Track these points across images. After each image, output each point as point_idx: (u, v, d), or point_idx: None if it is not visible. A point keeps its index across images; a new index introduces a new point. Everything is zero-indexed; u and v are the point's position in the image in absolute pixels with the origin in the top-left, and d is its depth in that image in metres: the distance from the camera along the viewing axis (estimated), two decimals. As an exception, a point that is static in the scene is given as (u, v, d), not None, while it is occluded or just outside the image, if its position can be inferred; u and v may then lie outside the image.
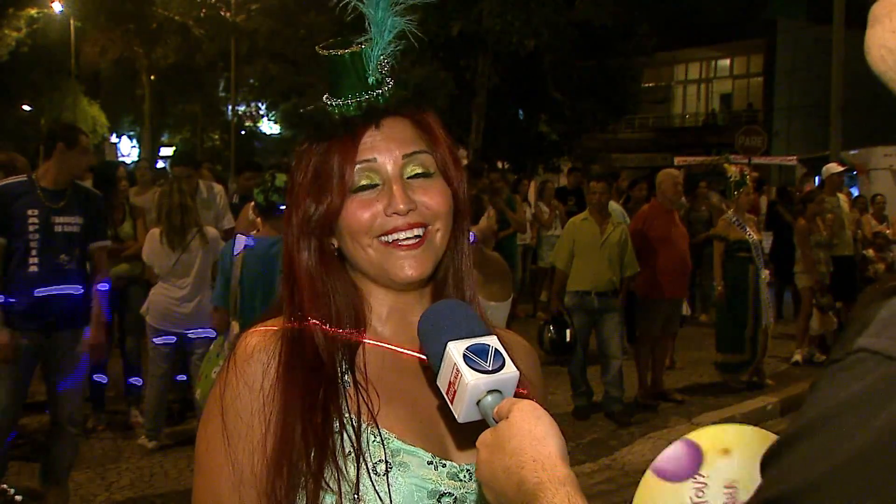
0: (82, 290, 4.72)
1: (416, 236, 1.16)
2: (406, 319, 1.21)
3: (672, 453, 1.22)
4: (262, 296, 4.32)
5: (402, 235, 1.15)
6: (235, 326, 4.43)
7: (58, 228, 4.57)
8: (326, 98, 1.19)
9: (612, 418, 6.80)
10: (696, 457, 1.22)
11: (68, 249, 4.62)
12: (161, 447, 5.84)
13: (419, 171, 1.17)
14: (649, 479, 1.23)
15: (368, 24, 1.15)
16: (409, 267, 1.16)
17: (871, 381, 0.60)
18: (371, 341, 1.21)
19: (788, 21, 27.12)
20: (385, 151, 1.16)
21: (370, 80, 1.16)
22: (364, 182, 1.15)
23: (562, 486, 0.86)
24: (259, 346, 1.16)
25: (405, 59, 1.21)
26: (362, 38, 1.16)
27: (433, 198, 1.17)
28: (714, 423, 6.63)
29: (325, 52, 1.17)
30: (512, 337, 1.34)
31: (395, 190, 1.14)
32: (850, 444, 0.59)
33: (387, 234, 1.15)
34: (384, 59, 1.17)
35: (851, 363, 0.62)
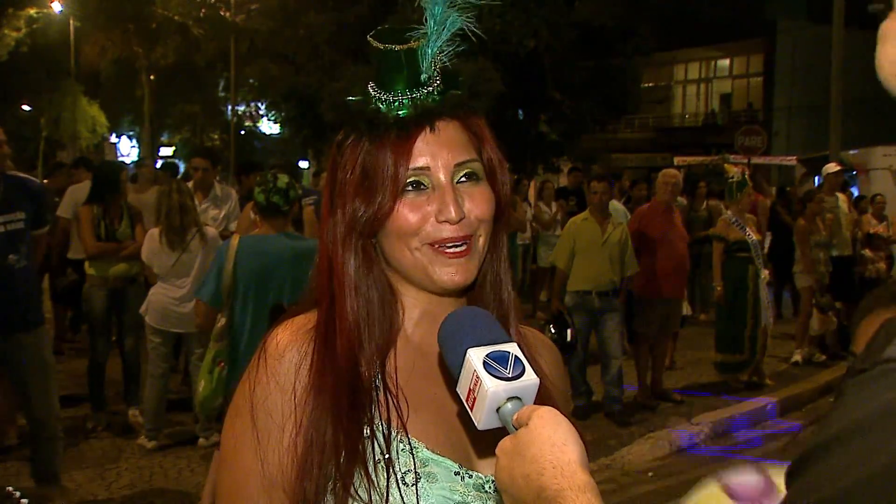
0: (36, 286, 4.65)
1: (463, 245, 1.14)
2: (437, 323, 1.19)
3: (750, 482, 1.23)
4: (256, 294, 4.31)
5: (449, 245, 1.14)
6: (220, 319, 4.41)
7: (0, 229, 4.40)
8: (373, 88, 1.15)
9: (611, 418, 6.80)
10: (770, 492, 1.23)
11: (15, 248, 4.45)
12: (161, 447, 5.84)
13: (468, 174, 1.16)
14: (719, 494, 1.24)
15: (426, 18, 1.11)
16: (456, 273, 1.14)
17: None
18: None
19: (788, 21, 27.13)
20: (438, 158, 1.13)
21: (422, 76, 1.13)
22: (414, 184, 1.13)
23: (582, 492, 0.85)
24: (290, 343, 1.15)
25: (456, 56, 1.16)
26: (417, 33, 1.12)
27: (479, 206, 1.15)
28: (712, 422, 6.65)
29: (380, 45, 1.13)
30: (536, 335, 1.33)
31: (447, 199, 1.12)
32: (881, 456, 0.58)
33: (436, 242, 1.14)
34: (439, 56, 1.14)
35: (880, 373, 0.61)
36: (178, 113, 35.28)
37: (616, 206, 9.07)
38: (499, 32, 16.88)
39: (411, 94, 1.13)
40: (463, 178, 1.15)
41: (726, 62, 31.75)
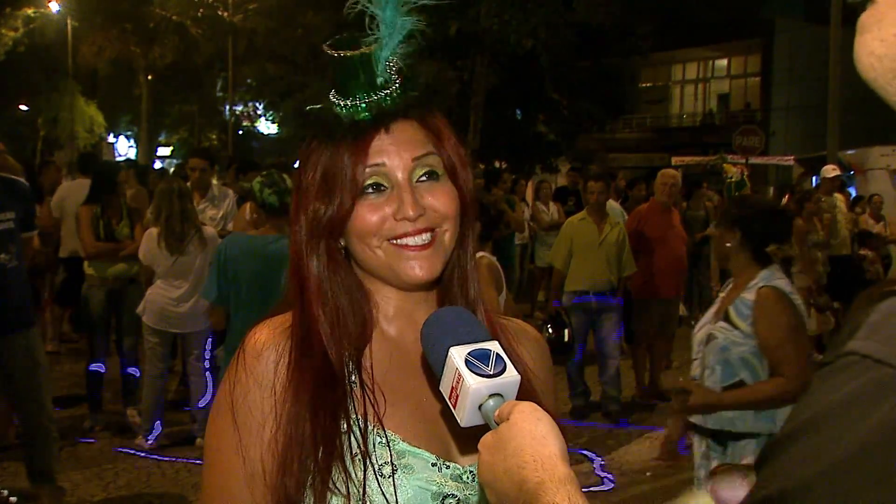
0: (28, 287, 4.62)
1: (425, 240, 1.16)
2: (412, 318, 1.21)
3: (733, 486, 1.25)
4: (260, 294, 4.31)
5: (411, 241, 1.16)
6: None
7: None
8: (333, 96, 1.18)
9: (609, 418, 6.81)
10: None
11: (6, 248, 4.43)
12: (158, 447, 5.84)
13: (427, 173, 1.17)
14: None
15: (377, 24, 1.13)
16: (420, 268, 1.16)
17: (859, 385, 0.61)
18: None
19: (786, 21, 27.16)
20: (394, 155, 1.15)
21: (379, 80, 1.15)
22: (373, 185, 1.15)
23: (562, 485, 0.86)
24: (268, 341, 1.17)
25: (412, 58, 1.18)
26: (370, 38, 1.14)
27: (441, 201, 1.17)
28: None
29: (334, 53, 1.16)
30: (519, 326, 1.34)
31: (404, 196, 1.14)
32: (839, 447, 0.60)
33: (396, 238, 1.15)
34: (393, 59, 1.16)
35: (841, 366, 0.63)
36: (176, 113, 35.26)
37: (613, 205, 9.07)
38: (497, 32, 16.91)
39: (369, 98, 1.15)
40: (423, 177, 1.17)
41: (724, 62, 31.78)
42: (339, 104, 1.16)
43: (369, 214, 1.15)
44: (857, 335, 0.64)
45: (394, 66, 1.16)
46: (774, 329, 3.22)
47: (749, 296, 3.31)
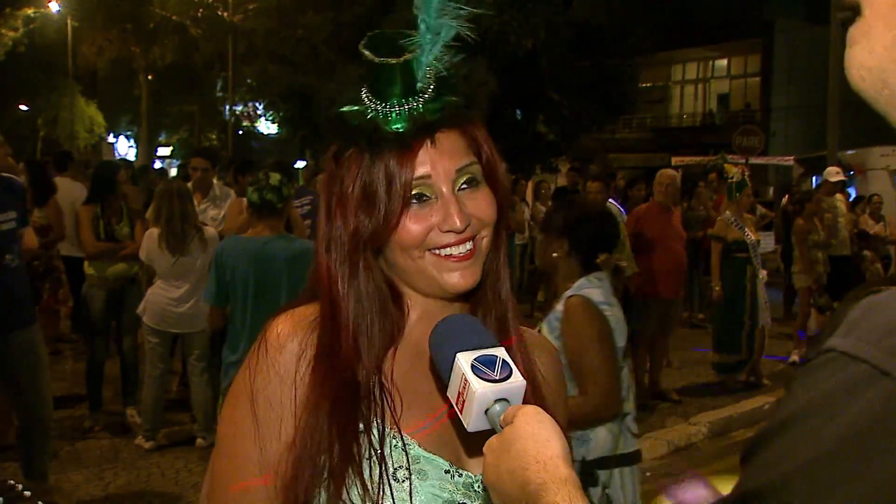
0: (28, 284, 4.64)
1: (468, 249, 1.16)
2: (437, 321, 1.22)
3: (697, 491, 1.26)
4: (254, 297, 4.31)
5: (455, 251, 1.15)
6: None
7: None
8: (367, 97, 1.14)
9: (609, 418, 6.79)
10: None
11: (10, 247, 4.45)
12: (158, 447, 5.84)
13: (468, 180, 1.16)
14: None
15: (420, 28, 1.11)
16: (461, 276, 1.16)
17: (836, 382, 0.63)
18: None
19: (786, 21, 27.16)
20: (439, 166, 1.13)
21: (418, 85, 1.13)
22: (417, 196, 1.14)
23: (563, 485, 0.88)
24: (291, 334, 1.16)
25: (453, 63, 1.16)
26: (411, 43, 1.11)
27: (482, 208, 1.17)
28: (710, 421, 6.65)
29: (374, 58, 1.12)
30: (534, 336, 1.34)
31: (451, 208, 1.13)
32: (816, 443, 0.61)
33: (439, 248, 1.15)
34: (434, 64, 1.14)
35: (821, 363, 0.65)
36: (176, 113, 35.30)
37: (612, 205, 9.07)
38: (496, 32, 16.90)
39: (407, 104, 1.12)
40: (464, 185, 1.16)
41: (724, 62, 31.79)
42: (375, 108, 1.13)
43: (414, 225, 1.14)
44: (836, 332, 0.65)
45: (433, 71, 1.14)
46: (576, 341, 2.96)
47: (561, 307, 3.08)
